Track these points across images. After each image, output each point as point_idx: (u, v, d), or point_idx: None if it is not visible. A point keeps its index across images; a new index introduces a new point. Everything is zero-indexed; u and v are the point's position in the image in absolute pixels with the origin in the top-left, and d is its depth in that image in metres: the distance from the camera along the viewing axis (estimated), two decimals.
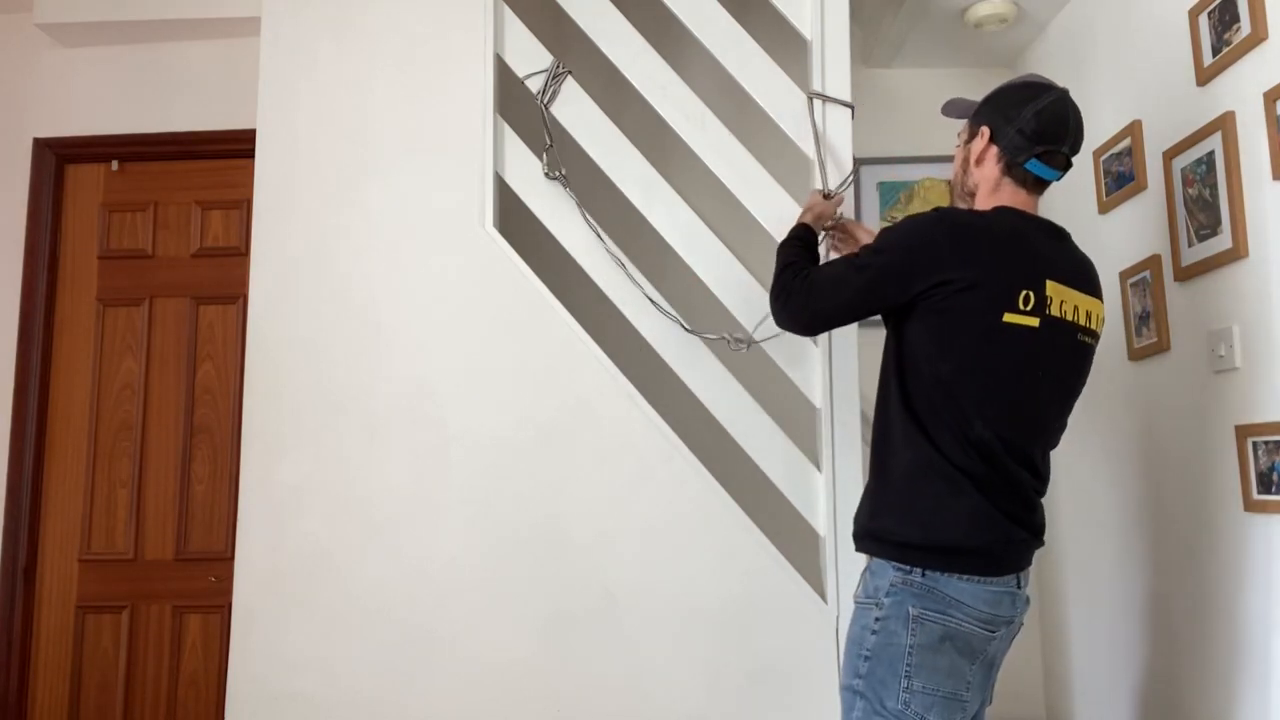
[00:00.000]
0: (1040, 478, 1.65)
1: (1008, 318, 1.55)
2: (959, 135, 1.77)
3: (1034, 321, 1.56)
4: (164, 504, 2.87)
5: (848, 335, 2.16)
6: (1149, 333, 2.28)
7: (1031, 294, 1.56)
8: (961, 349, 1.56)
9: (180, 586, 2.83)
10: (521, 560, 2.15)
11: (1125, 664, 2.39)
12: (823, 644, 2.08)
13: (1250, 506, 1.91)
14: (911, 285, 1.58)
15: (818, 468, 2.16)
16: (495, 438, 2.18)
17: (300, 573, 2.18)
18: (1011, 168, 1.66)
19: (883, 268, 1.62)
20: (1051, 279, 1.59)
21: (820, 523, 2.14)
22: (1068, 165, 1.68)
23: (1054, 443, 1.69)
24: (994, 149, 1.66)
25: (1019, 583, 1.61)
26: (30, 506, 2.87)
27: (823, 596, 2.10)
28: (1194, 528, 2.11)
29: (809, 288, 1.70)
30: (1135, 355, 2.33)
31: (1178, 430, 2.16)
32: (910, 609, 1.54)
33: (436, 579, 2.16)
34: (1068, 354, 1.64)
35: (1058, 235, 1.69)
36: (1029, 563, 1.63)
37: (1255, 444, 1.88)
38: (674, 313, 2.18)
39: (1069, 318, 1.62)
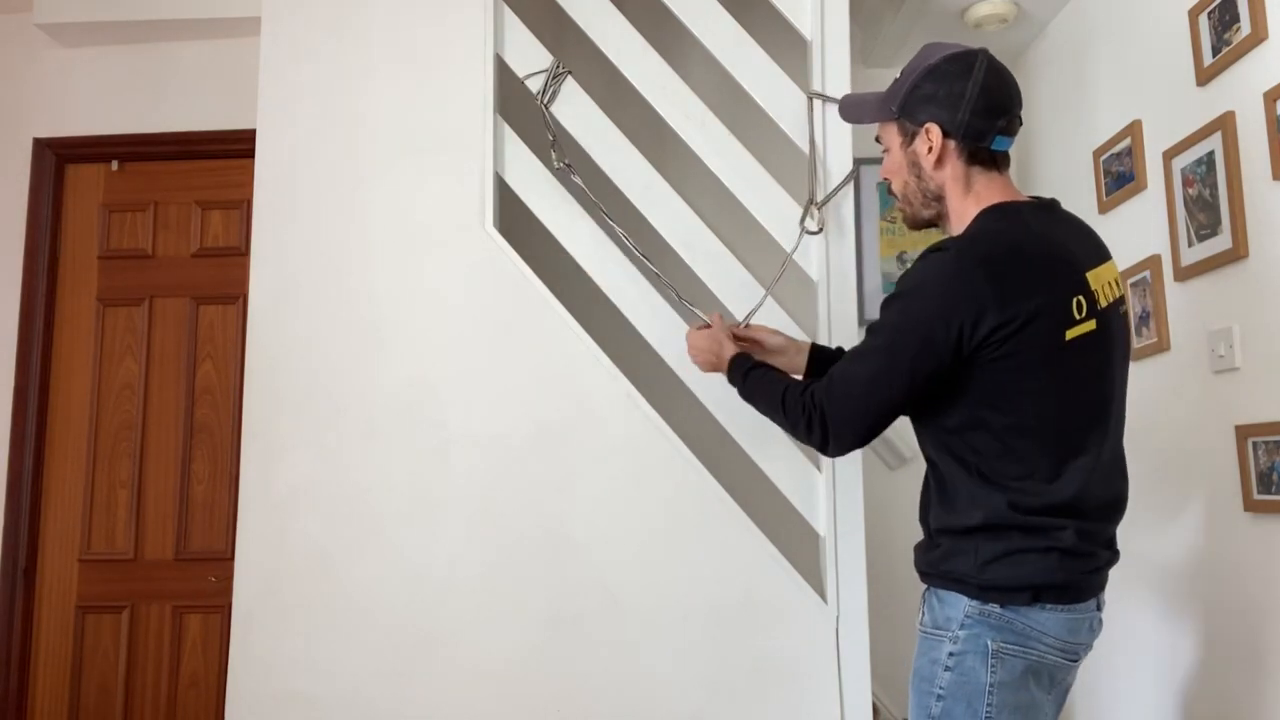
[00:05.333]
0: (1127, 473, 1.54)
1: (1070, 334, 1.40)
2: (879, 140, 1.60)
3: (1091, 325, 1.42)
4: (164, 504, 2.87)
5: (847, 335, 2.16)
6: (1149, 333, 2.28)
7: (1082, 298, 1.42)
8: (1036, 388, 1.40)
9: (180, 586, 2.83)
10: (521, 560, 2.15)
11: (1124, 665, 2.39)
12: (823, 644, 2.08)
13: (1250, 506, 1.91)
14: (963, 345, 1.39)
15: (818, 468, 2.15)
16: (495, 438, 2.18)
17: (300, 573, 2.18)
18: (976, 155, 1.50)
19: (923, 341, 1.41)
20: (1086, 270, 1.46)
21: (820, 523, 2.14)
22: (1020, 124, 1.54)
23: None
24: (951, 143, 1.50)
25: (1098, 605, 1.49)
26: (30, 506, 2.87)
27: (823, 596, 2.10)
28: (1194, 528, 2.11)
29: (833, 404, 1.51)
30: (1135, 355, 2.33)
31: (1178, 430, 2.16)
32: (989, 643, 1.41)
33: (436, 579, 2.16)
34: (1119, 333, 1.51)
35: (1050, 209, 1.55)
36: (1106, 581, 1.51)
37: (1255, 444, 1.88)
38: (697, 310, 2.18)
39: (1108, 299, 1.47)
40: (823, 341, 2.15)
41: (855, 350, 1.55)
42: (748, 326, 1.98)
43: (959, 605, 1.43)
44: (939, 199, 1.54)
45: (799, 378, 1.80)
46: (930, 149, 1.50)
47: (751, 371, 1.73)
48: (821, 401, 1.52)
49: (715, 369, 1.85)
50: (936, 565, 1.49)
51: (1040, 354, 1.39)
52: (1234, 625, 1.98)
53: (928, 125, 1.50)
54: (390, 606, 2.16)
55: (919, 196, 1.56)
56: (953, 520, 1.47)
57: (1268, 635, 1.87)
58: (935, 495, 1.52)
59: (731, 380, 1.78)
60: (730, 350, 1.81)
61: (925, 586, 1.52)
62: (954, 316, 1.38)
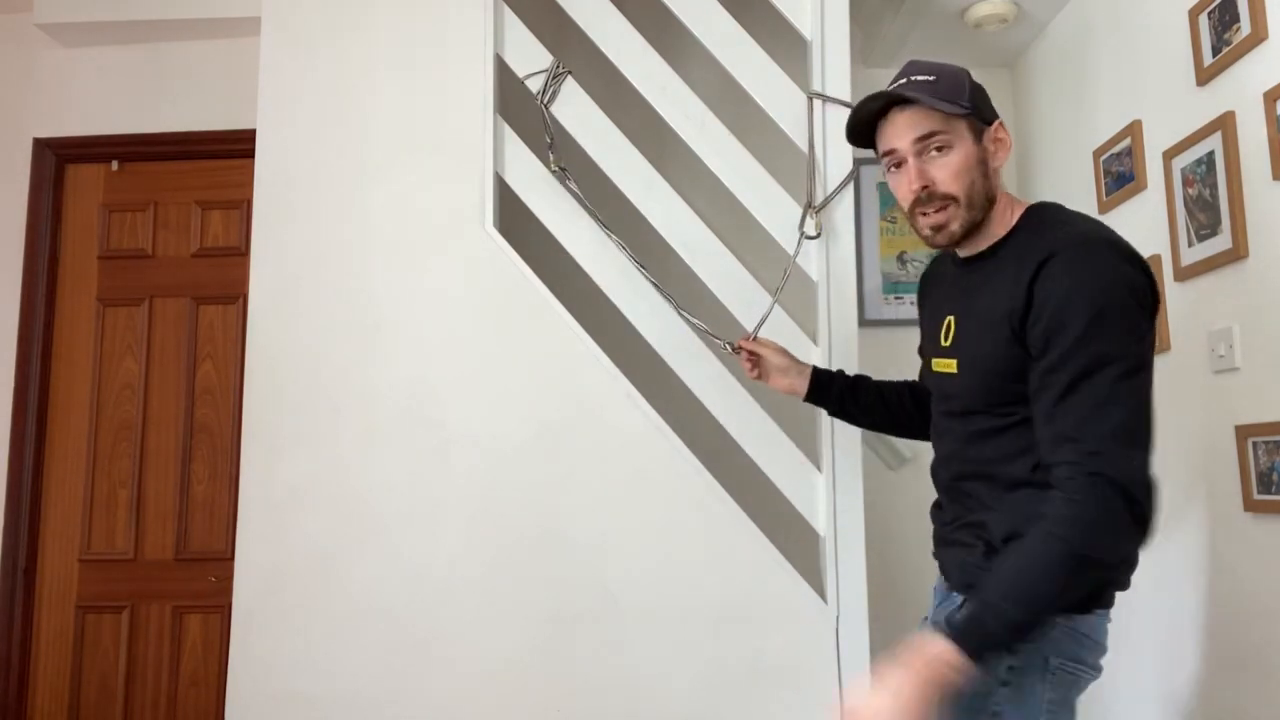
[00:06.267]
0: None
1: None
2: (925, 140, 1.42)
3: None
4: (164, 504, 2.87)
5: (847, 334, 2.16)
6: None
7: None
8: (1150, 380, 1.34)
9: (180, 586, 2.83)
10: (521, 560, 2.15)
11: (1125, 665, 2.39)
12: (823, 644, 2.08)
13: (1250, 506, 1.91)
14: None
15: (818, 468, 2.16)
16: (495, 438, 2.18)
17: (300, 573, 2.18)
18: None
19: (1144, 342, 1.32)
20: None
21: (820, 523, 2.14)
22: None
23: None
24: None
25: None
26: (30, 506, 2.87)
27: (823, 596, 2.10)
28: (1194, 528, 2.11)
29: (1126, 473, 1.22)
30: None
31: (1178, 430, 2.16)
32: (1049, 657, 1.35)
33: (436, 579, 2.16)
34: None
35: None
36: None
37: (1255, 444, 1.88)
38: (697, 321, 2.18)
39: None
40: (822, 342, 2.16)
41: (1091, 403, 1.25)
42: (756, 340, 1.96)
43: None
44: (991, 202, 1.46)
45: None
46: (998, 148, 1.46)
47: (991, 606, 1.25)
48: (1119, 483, 1.21)
49: (958, 674, 1.23)
50: None
51: (1153, 345, 1.36)
52: (1234, 625, 1.98)
53: (999, 121, 1.47)
54: (390, 606, 2.16)
55: (981, 198, 1.44)
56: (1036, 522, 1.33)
57: (1268, 635, 1.87)
58: (1008, 502, 1.40)
59: (994, 643, 1.25)
60: (944, 647, 1.22)
61: (963, 594, 1.43)
62: (1144, 302, 1.33)
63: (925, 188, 1.43)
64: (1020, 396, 1.38)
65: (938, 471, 1.59)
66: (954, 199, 1.42)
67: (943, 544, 1.55)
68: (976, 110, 1.44)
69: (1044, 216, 1.45)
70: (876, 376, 1.93)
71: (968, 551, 1.46)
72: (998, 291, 1.41)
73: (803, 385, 1.88)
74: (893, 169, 1.48)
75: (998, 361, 1.40)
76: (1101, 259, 1.33)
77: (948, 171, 1.42)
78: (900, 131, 1.44)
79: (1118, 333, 1.28)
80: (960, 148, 1.42)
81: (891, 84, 1.47)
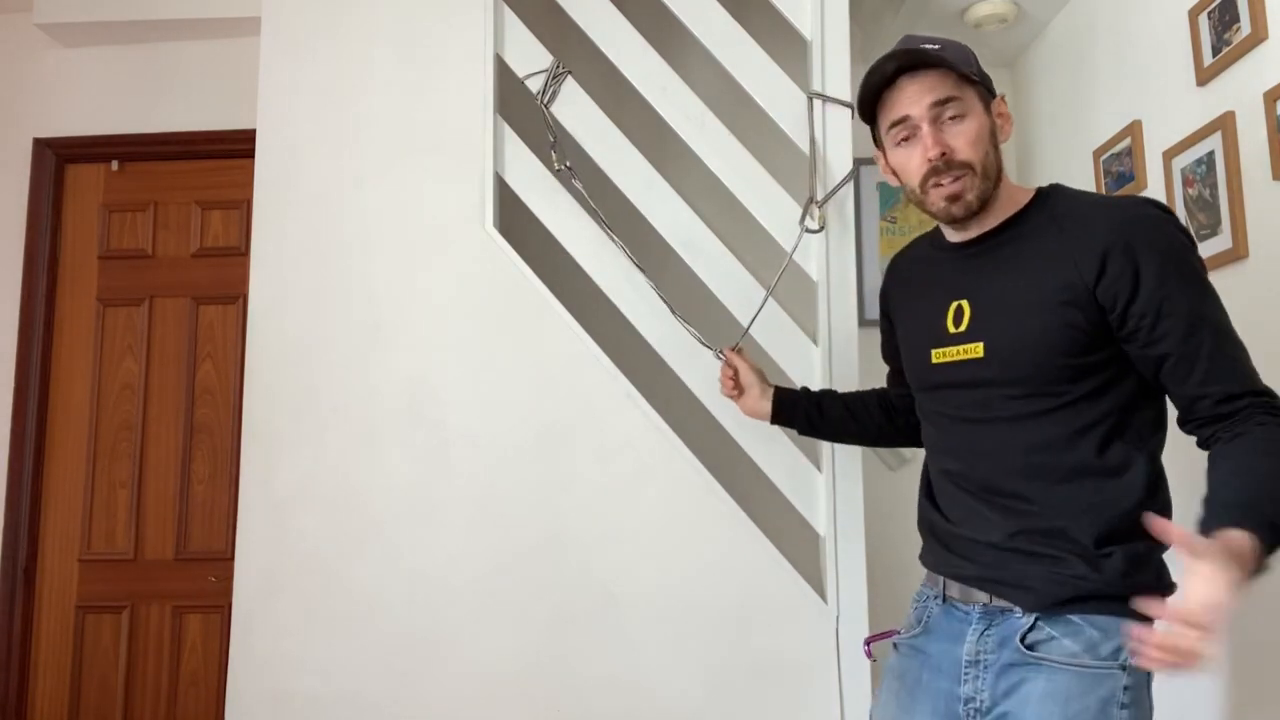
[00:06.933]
0: None
1: None
2: (942, 106, 1.37)
3: None
4: (164, 504, 2.87)
5: (847, 334, 2.16)
6: None
7: None
8: None
9: (180, 586, 2.83)
10: (521, 560, 2.15)
11: None
12: (823, 644, 2.08)
13: None
14: None
15: (818, 468, 2.15)
16: (495, 438, 2.18)
17: (300, 573, 2.18)
18: None
19: None
20: None
21: (820, 523, 2.14)
22: None
23: None
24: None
25: None
26: (30, 506, 2.87)
27: (823, 596, 2.10)
28: (1194, 528, 2.10)
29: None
30: None
31: (1179, 430, 2.16)
32: (1151, 672, 1.29)
33: (436, 579, 2.16)
34: None
35: None
36: None
37: None
38: (691, 329, 2.18)
39: None
40: (822, 342, 2.16)
41: (1238, 353, 1.32)
42: (739, 351, 1.95)
43: (1126, 629, 1.27)
44: (1000, 177, 1.40)
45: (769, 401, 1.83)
46: (1003, 123, 1.43)
47: (1265, 527, 1.23)
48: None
49: (1242, 580, 1.20)
50: (1113, 584, 1.31)
51: None
52: (1234, 625, 1.98)
53: (1002, 95, 1.44)
54: (390, 606, 2.16)
55: (994, 171, 1.38)
56: (1127, 518, 1.33)
57: (1268, 635, 1.87)
58: (1074, 498, 1.35)
59: (1270, 552, 1.23)
60: (1234, 572, 1.18)
61: (1039, 614, 1.34)
62: None
63: (944, 155, 1.35)
64: (1074, 373, 1.33)
65: (960, 476, 1.45)
66: (971, 168, 1.36)
67: (1000, 557, 1.38)
68: (984, 80, 1.40)
69: (1063, 191, 1.42)
70: (876, 377, 1.93)
71: (1056, 564, 1.33)
72: (1042, 263, 1.35)
73: (766, 406, 1.85)
74: (901, 141, 1.40)
75: (1051, 333, 1.33)
76: (1171, 224, 1.33)
77: (965, 139, 1.36)
78: (914, 97, 1.37)
79: (1209, 284, 1.33)
80: (974, 116, 1.37)
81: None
